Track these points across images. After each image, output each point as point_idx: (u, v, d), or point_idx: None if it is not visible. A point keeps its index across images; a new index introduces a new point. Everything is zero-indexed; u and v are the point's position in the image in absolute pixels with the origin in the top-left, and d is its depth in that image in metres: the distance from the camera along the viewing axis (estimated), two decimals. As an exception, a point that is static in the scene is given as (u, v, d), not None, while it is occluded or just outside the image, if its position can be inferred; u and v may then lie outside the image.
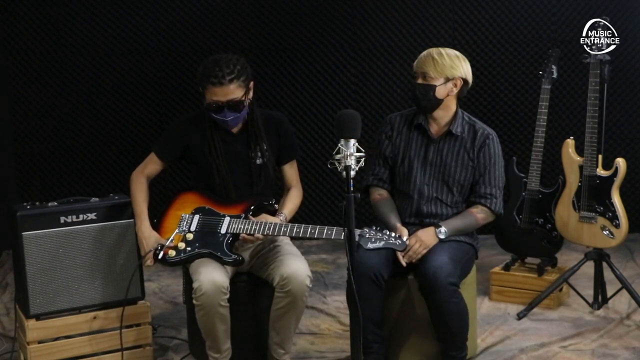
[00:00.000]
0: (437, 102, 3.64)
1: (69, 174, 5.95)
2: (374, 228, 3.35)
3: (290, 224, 3.47)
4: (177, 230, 3.57)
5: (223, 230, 3.56)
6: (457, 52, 3.68)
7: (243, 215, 3.58)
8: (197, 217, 3.60)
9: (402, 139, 3.77)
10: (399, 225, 3.63)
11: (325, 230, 3.39)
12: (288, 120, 3.83)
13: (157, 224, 3.64)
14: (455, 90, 3.65)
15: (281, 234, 3.49)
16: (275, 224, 3.49)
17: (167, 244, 3.53)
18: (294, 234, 3.46)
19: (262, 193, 3.69)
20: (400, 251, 3.46)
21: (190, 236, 3.56)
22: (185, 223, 3.59)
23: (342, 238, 3.35)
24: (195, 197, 3.67)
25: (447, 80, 3.60)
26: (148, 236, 3.57)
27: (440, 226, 3.61)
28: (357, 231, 3.20)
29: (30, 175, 5.93)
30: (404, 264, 3.56)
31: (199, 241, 3.55)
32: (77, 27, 5.77)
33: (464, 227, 3.68)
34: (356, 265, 2.95)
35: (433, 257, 3.51)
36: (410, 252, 3.54)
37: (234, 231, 3.54)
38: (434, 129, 3.73)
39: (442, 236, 3.59)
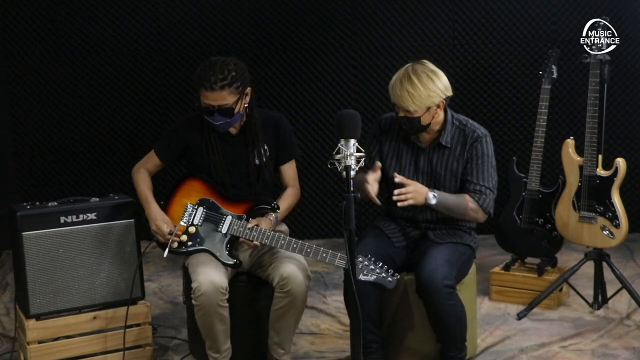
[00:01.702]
0: (426, 127, 3.58)
1: (69, 174, 5.95)
2: (368, 257, 3.36)
3: (288, 238, 3.50)
4: (181, 222, 3.60)
5: (224, 230, 3.58)
6: (428, 71, 3.51)
7: (244, 217, 3.59)
8: (201, 209, 3.62)
9: (390, 147, 3.72)
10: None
11: (320, 253, 3.42)
12: (287, 119, 3.82)
13: (163, 206, 3.66)
14: (440, 109, 3.57)
15: (278, 246, 3.51)
16: (274, 235, 3.51)
17: (175, 231, 3.58)
18: (290, 249, 3.48)
19: (260, 194, 3.70)
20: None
21: (193, 229, 3.60)
22: (189, 214, 3.62)
23: (335, 264, 3.37)
24: (201, 186, 3.68)
25: (429, 108, 3.52)
26: (162, 217, 3.60)
27: (434, 192, 3.50)
28: None
29: (30, 175, 5.93)
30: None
31: (200, 237, 3.59)
32: (77, 27, 5.77)
33: (453, 206, 3.55)
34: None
35: (428, 260, 3.49)
36: (399, 193, 3.44)
37: (234, 233, 3.56)
38: (424, 138, 3.67)
39: (432, 202, 3.48)
